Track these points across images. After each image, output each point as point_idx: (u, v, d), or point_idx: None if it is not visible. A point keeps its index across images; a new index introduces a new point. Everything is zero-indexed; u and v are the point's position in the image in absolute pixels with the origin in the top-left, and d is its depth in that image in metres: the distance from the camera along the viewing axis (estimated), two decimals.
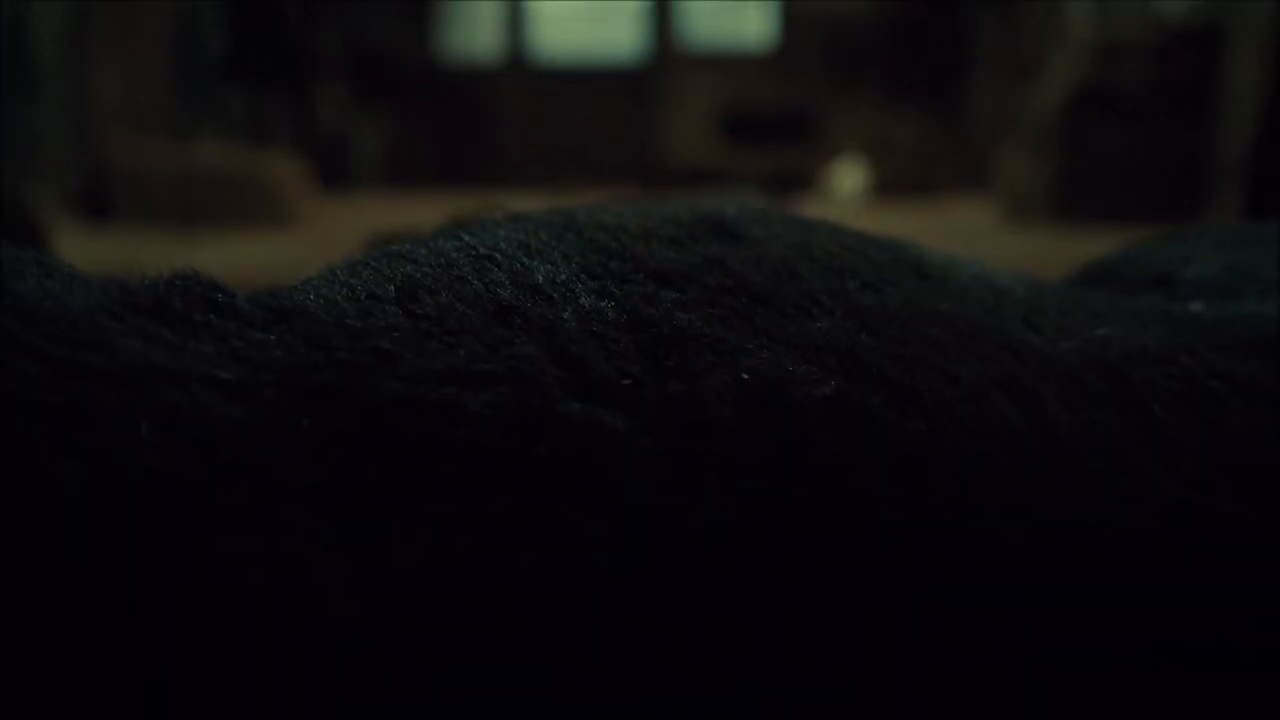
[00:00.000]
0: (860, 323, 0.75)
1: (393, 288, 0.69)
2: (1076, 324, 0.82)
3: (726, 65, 14.71)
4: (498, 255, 0.72)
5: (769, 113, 14.21)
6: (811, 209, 10.70)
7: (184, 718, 0.53)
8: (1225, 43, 7.75)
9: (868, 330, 0.74)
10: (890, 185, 12.36)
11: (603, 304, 0.70)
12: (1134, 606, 0.69)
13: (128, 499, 0.55)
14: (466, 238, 0.74)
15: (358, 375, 0.63)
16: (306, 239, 6.74)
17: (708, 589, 0.63)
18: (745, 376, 0.68)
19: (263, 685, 0.54)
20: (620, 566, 0.61)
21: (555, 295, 0.70)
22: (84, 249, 5.67)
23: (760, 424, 0.66)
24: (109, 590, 0.54)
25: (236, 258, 5.62)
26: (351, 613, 0.56)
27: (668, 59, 14.74)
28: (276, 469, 0.58)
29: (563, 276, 0.71)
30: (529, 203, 0.95)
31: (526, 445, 0.62)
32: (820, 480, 0.67)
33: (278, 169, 8.17)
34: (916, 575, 0.66)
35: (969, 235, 8.03)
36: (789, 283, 0.75)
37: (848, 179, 12.27)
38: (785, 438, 0.67)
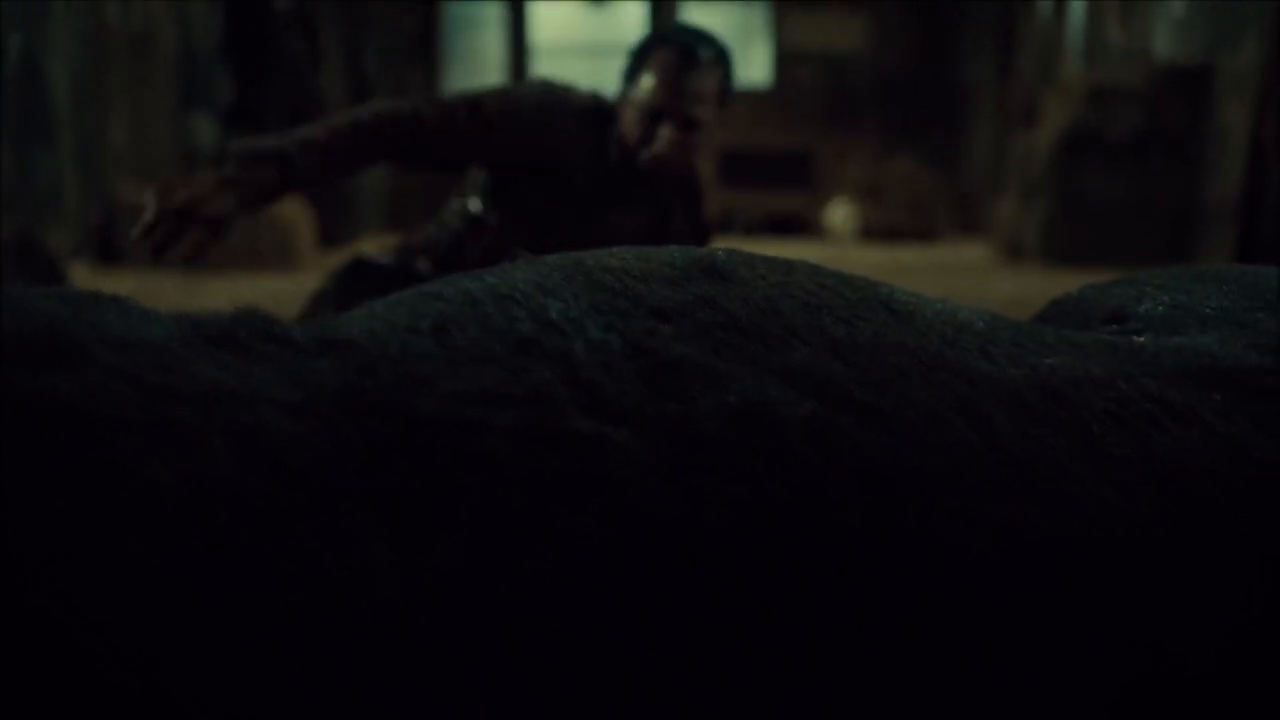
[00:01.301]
0: (834, 353, 0.85)
1: (427, 322, 0.79)
2: (1028, 354, 0.92)
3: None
4: (517, 294, 0.83)
5: (767, 155, 14.35)
6: (811, 249, 10.82)
7: (253, 683, 0.63)
8: (1215, 85, 7.88)
9: (841, 359, 0.85)
10: (889, 228, 12.51)
11: (609, 336, 0.80)
12: (1067, 599, 0.79)
13: (210, 500, 0.66)
14: (489, 279, 0.84)
15: (400, 396, 0.73)
16: (311, 282, 6.86)
17: (702, 582, 0.73)
18: (733, 399, 0.78)
19: (321, 652, 0.64)
20: (624, 561, 0.71)
21: (568, 329, 0.80)
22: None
23: (746, 439, 0.77)
24: (198, 574, 0.64)
25: (247, 299, 5.73)
26: (394, 594, 0.66)
27: None
28: (332, 475, 0.69)
29: (574, 313, 0.82)
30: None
31: (543, 456, 0.72)
32: (798, 487, 0.77)
33: (283, 213, 8.31)
34: (882, 570, 0.77)
35: (964, 276, 8.15)
36: (771, 318, 0.86)
37: (842, 219, 12.40)
38: (768, 451, 0.77)
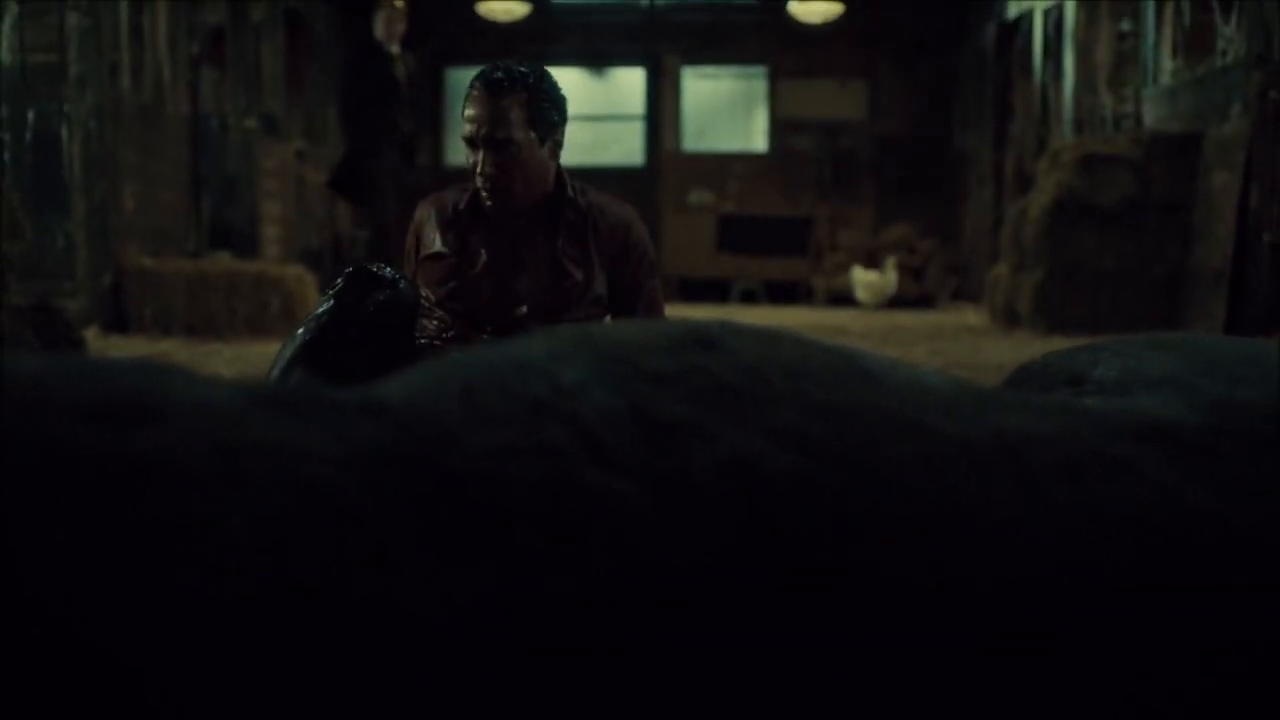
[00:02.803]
0: (814, 414, 0.96)
1: (454, 387, 0.91)
2: (987, 415, 1.03)
3: (722, 173, 15.06)
4: (532, 363, 0.94)
5: (765, 222, 14.49)
6: (810, 314, 10.92)
7: (321, 693, 0.74)
8: (1203, 153, 8.03)
9: (820, 419, 0.96)
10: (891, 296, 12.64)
11: (613, 399, 0.92)
12: (1019, 633, 0.90)
13: (272, 536, 0.77)
14: (508, 350, 0.96)
15: (432, 452, 0.85)
16: None
17: (692, 610, 0.84)
18: (722, 453, 0.89)
19: (369, 665, 0.75)
20: (624, 589, 0.82)
21: (577, 392, 0.92)
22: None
23: (733, 487, 0.88)
24: (262, 600, 0.75)
25: (253, 364, 5.85)
26: (429, 615, 0.77)
27: (665, 165, 15.10)
28: (376, 517, 0.80)
29: (582, 378, 0.93)
30: None
31: (555, 502, 0.83)
32: (782, 530, 0.88)
33: (288, 278, 8.47)
34: (853, 604, 0.88)
35: (958, 341, 8.27)
36: (758, 383, 0.97)
37: (866, 286, 12.52)
38: (754, 498, 0.88)
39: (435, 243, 2.88)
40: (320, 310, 2.76)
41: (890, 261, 12.66)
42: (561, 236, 2.85)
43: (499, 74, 2.78)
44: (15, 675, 0.71)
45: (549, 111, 2.79)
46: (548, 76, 2.84)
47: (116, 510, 0.76)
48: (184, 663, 0.74)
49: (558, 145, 2.84)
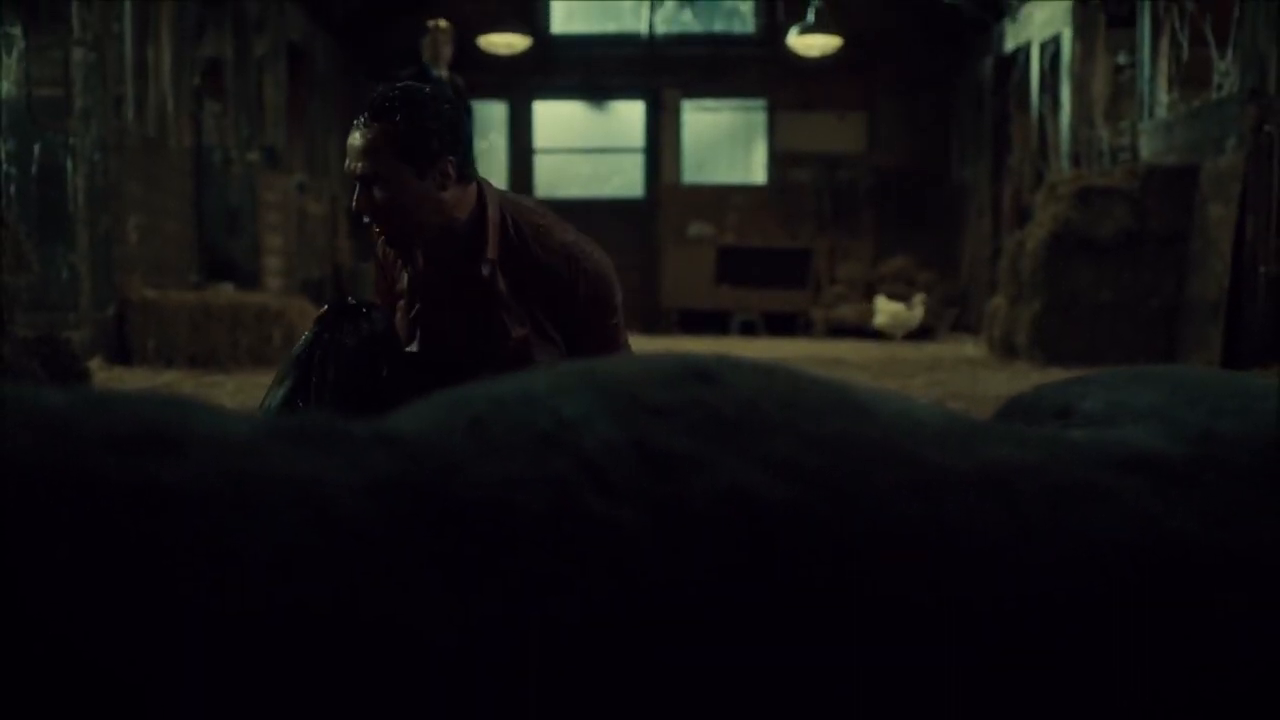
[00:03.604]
0: (807, 444, 1.00)
1: (462, 420, 0.95)
2: (975, 447, 1.07)
3: (721, 205, 15.15)
4: (537, 397, 0.98)
5: (764, 254, 14.56)
6: (810, 346, 10.95)
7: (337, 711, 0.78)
8: (1199, 185, 8.09)
9: (813, 450, 1.00)
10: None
11: (614, 431, 0.95)
12: (1000, 652, 0.93)
13: (293, 564, 0.80)
14: (514, 385, 1.00)
15: (441, 480, 0.88)
16: None
17: (689, 634, 0.87)
18: (720, 482, 0.93)
19: (389, 674, 0.79)
20: (624, 613, 0.85)
21: (580, 425, 0.95)
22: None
23: (732, 515, 0.91)
24: (278, 621, 0.78)
25: (257, 395, 5.89)
26: (435, 635, 0.81)
27: (665, 197, 15.18)
28: (391, 542, 0.83)
29: (585, 411, 0.97)
30: None
31: (559, 528, 0.87)
32: (777, 557, 0.91)
33: (289, 311, 8.53)
34: (848, 631, 0.91)
35: (957, 372, 8.30)
36: (754, 415, 1.01)
37: (891, 316, 12.63)
38: (751, 524, 0.92)
39: (401, 279, 2.73)
40: (304, 339, 2.73)
41: (919, 298, 12.81)
42: (494, 287, 2.60)
43: (375, 98, 2.50)
44: (35, 688, 0.74)
45: (426, 140, 2.47)
46: (427, 101, 2.51)
47: (137, 534, 0.79)
48: (194, 678, 0.77)
49: (448, 176, 2.52)
